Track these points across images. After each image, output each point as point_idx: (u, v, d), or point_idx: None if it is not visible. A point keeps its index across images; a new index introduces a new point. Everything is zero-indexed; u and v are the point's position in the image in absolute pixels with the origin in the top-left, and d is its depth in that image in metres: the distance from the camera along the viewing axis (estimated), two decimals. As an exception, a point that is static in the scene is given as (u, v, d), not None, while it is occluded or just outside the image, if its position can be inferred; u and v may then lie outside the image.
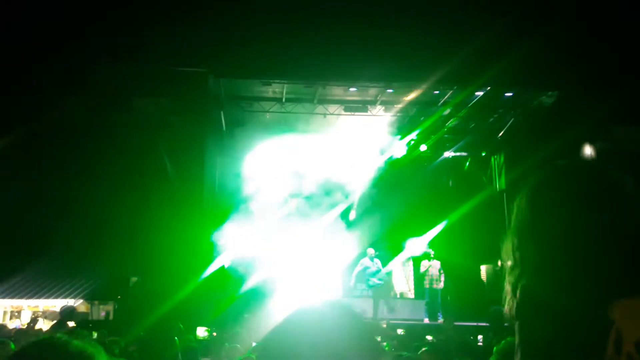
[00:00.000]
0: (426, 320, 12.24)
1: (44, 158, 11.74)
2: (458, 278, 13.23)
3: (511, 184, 13.93)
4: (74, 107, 10.91)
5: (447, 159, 15.20)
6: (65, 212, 11.74)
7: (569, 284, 1.07)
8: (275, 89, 12.48)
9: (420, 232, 13.82)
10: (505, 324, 6.14)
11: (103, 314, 12.46)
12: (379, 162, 14.00)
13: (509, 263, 1.23)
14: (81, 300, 12.46)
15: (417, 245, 13.75)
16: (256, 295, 11.64)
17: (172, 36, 10.50)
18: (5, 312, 12.64)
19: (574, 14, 10.03)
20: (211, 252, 11.82)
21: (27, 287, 12.27)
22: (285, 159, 13.39)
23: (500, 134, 14.27)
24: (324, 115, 13.29)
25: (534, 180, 1.23)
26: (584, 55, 10.43)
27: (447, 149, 15.05)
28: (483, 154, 15.24)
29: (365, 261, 12.35)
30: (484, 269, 14.32)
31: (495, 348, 3.59)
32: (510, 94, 12.56)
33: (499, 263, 12.91)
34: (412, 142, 14.25)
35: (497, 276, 13.25)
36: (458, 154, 15.20)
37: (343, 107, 13.22)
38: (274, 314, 9.10)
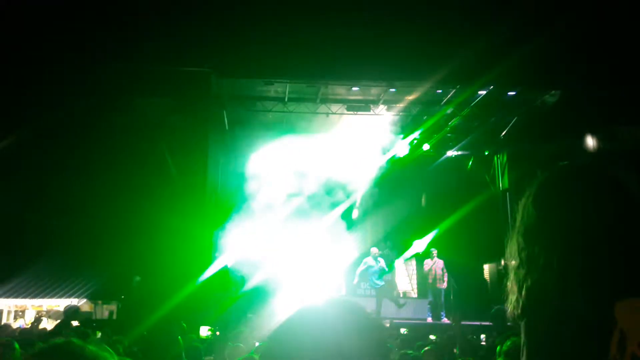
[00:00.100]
0: (429, 320, 12.24)
1: (50, 157, 11.75)
2: (461, 277, 13.22)
3: (514, 183, 13.90)
4: (74, 107, 10.91)
5: (449, 158, 15.16)
6: (68, 212, 11.76)
7: (574, 284, 1.07)
8: (278, 88, 12.48)
9: (422, 232, 13.80)
10: (508, 324, 6.13)
11: (107, 313, 12.50)
12: (382, 161, 13.99)
13: (513, 263, 1.23)
14: (85, 300, 12.50)
15: (420, 244, 13.74)
16: (259, 295, 11.65)
17: (174, 36, 10.51)
18: (9, 312, 12.68)
19: (577, 14, 9.99)
20: (214, 251, 11.84)
21: (30, 287, 12.30)
22: (288, 158, 13.38)
23: (503, 133, 14.25)
24: (327, 114, 13.28)
25: (539, 181, 1.24)
26: (587, 55, 10.40)
27: (450, 148, 15.04)
28: (486, 153, 15.20)
29: (369, 260, 12.35)
30: (486, 268, 14.31)
31: (500, 348, 3.58)
32: (513, 93, 12.53)
33: (502, 262, 12.90)
34: (415, 141, 14.23)
35: (500, 275, 13.23)
36: (461, 153, 15.17)
37: (345, 107, 13.22)
38: (277, 313, 9.12)
